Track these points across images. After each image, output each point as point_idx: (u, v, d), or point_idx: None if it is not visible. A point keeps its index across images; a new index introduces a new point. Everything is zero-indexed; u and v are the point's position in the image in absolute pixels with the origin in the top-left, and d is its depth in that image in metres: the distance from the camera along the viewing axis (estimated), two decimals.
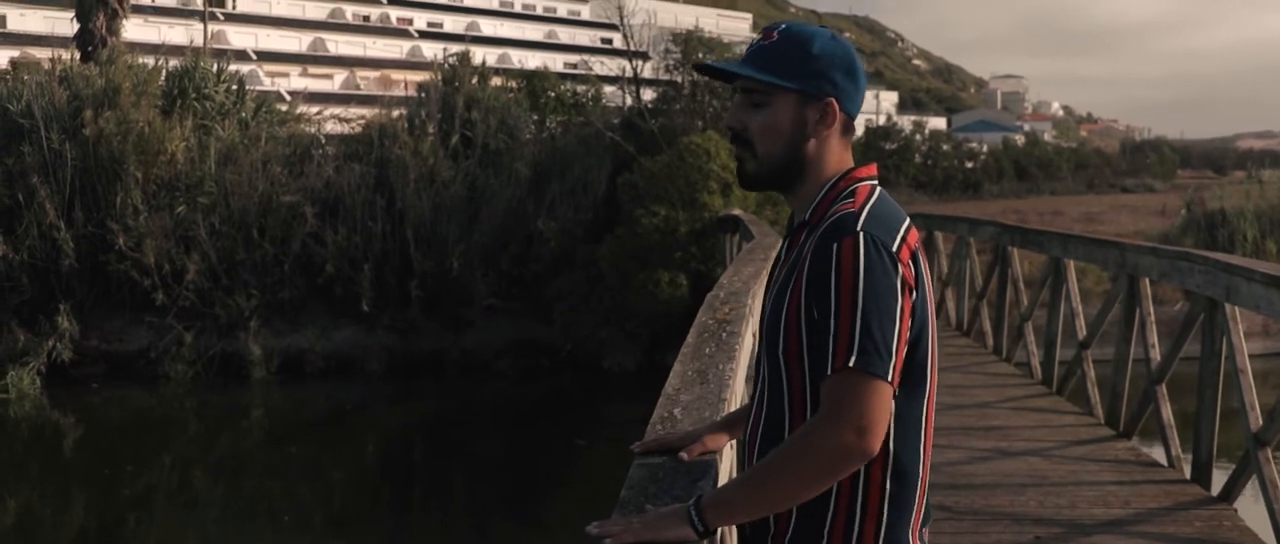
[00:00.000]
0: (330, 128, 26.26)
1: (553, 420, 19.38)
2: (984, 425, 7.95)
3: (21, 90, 22.10)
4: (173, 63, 23.72)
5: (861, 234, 2.10)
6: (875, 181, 2.28)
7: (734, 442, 2.78)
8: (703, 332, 3.95)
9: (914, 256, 2.16)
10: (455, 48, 27.35)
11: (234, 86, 24.16)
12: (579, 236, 21.90)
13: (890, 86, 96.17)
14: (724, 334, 3.89)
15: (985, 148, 68.10)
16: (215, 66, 23.94)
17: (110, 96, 21.52)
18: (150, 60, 23.93)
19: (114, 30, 27.20)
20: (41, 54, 24.28)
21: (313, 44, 55.50)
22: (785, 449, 2.15)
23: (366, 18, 61.04)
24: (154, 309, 20.94)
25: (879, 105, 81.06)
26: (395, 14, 62.11)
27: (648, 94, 25.92)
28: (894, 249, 2.12)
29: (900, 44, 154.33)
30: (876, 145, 57.79)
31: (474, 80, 23.72)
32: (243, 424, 20.21)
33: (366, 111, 25.85)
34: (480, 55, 26.35)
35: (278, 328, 21.40)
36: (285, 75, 50.87)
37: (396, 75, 50.39)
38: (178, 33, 42.63)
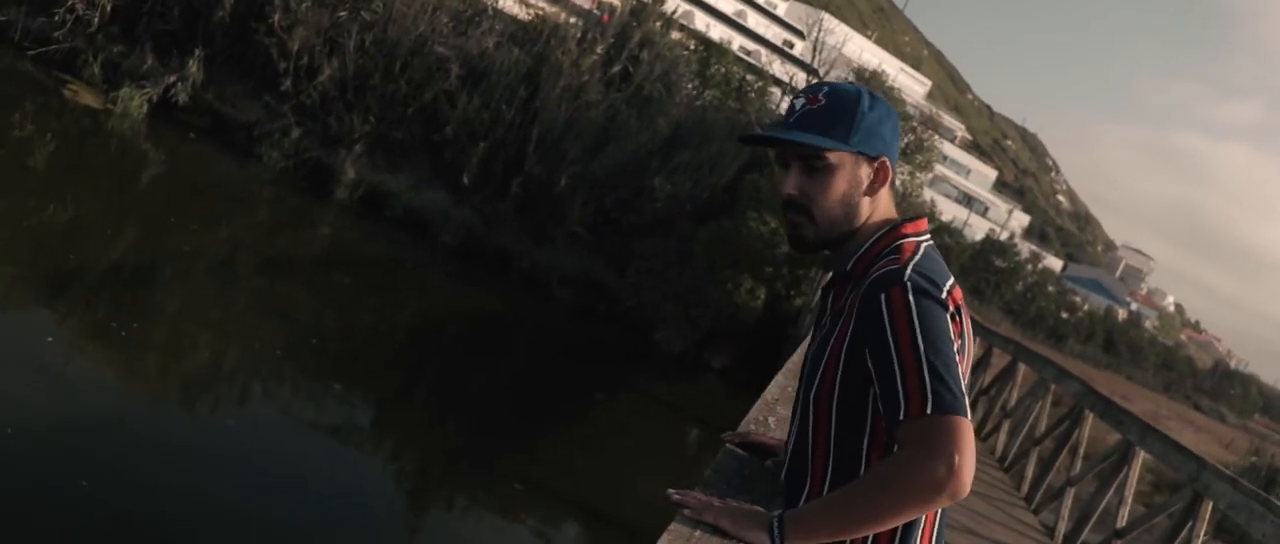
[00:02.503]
0: (506, 4, 26.38)
1: (584, 364, 19.35)
2: None
3: None
4: None
5: (908, 282, 2.10)
6: (925, 237, 2.28)
7: None
8: (790, 372, 3.88)
9: (960, 306, 2.17)
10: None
11: None
12: (687, 211, 21.83)
13: (1026, 209, 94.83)
14: None
15: (1087, 306, 67.33)
16: None
17: None
18: None
19: None
20: None
21: None
22: (875, 478, 2.14)
23: None
24: (277, 93, 21.20)
25: (1009, 222, 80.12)
26: None
27: None
28: (943, 294, 2.12)
29: (1054, 174, 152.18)
30: (987, 256, 57.30)
31: (658, 24, 23.67)
32: (307, 235, 20.37)
33: (549, 7, 25.89)
34: (671, 4, 26.27)
35: (377, 161, 21.58)
36: None
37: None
38: None
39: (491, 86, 21.82)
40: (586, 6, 28.72)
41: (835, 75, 25.90)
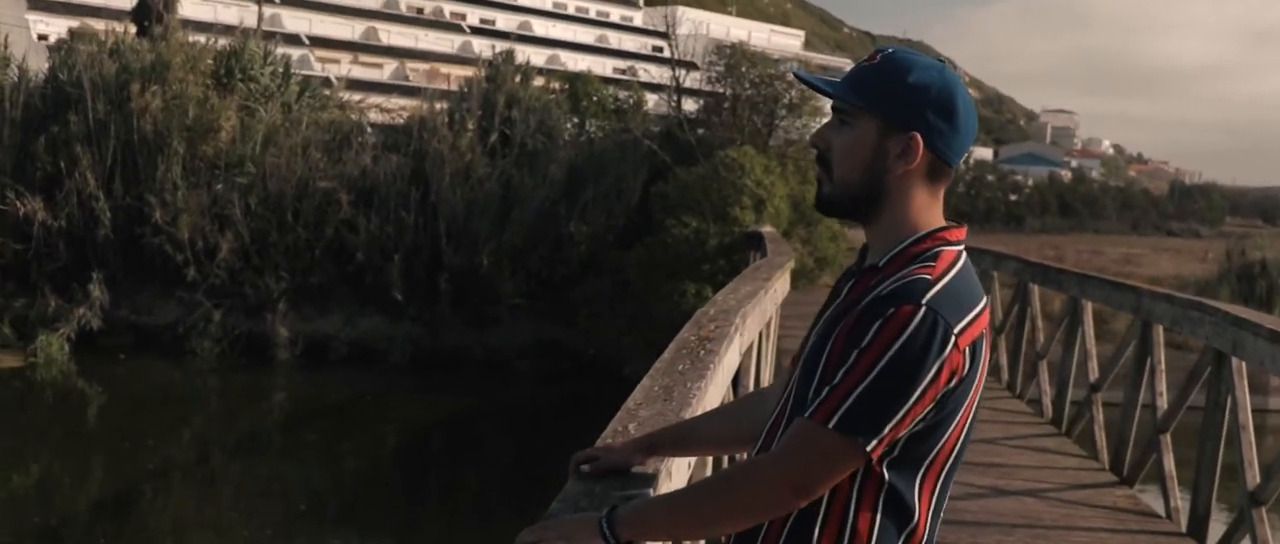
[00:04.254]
0: (374, 117, 26.46)
1: (569, 424, 19.37)
2: (984, 462, 7.89)
3: (74, 60, 22.43)
4: (221, 43, 23.97)
5: (924, 308, 1.93)
6: (962, 247, 2.09)
7: (682, 461, 2.73)
8: (681, 347, 3.93)
9: (976, 344, 1.99)
10: (506, 46, 27.47)
11: (280, 69, 24.37)
12: (609, 242, 21.95)
13: None
14: (702, 351, 3.86)
15: (1031, 181, 67.96)
16: (263, 49, 24.15)
17: (159, 72, 21.79)
18: (202, 38, 24.22)
19: (170, 7, 27.55)
20: (99, 26, 24.59)
21: (365, 32, 55.84)
22: (724, 477, 2.09)
23: (420, 10, 61.37)
24: (185, 285, 21.16)
25: None
26: (449, 8, 62.40)
27: (691, 105, 25.93)
28: (957, 330, 1.94)
29: (954, 69, 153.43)
30: None
31: (516, 79, 23.83)
32: (263, 405, 20.38)
33: (411, 103, 26.02)
34: (530, 55, 26.47)
35: (305, 312, 21.57)
36: (336, 62, 51.17)
37: (445, 69, 50.57)
38: (232, 13, 43.00)
39: (384, 200, 21.88)
40: (447, 88, 28.84)
41: (706, 61, 26.03)
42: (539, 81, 25.13)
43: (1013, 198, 63.75)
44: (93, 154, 21.25)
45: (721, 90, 24.54)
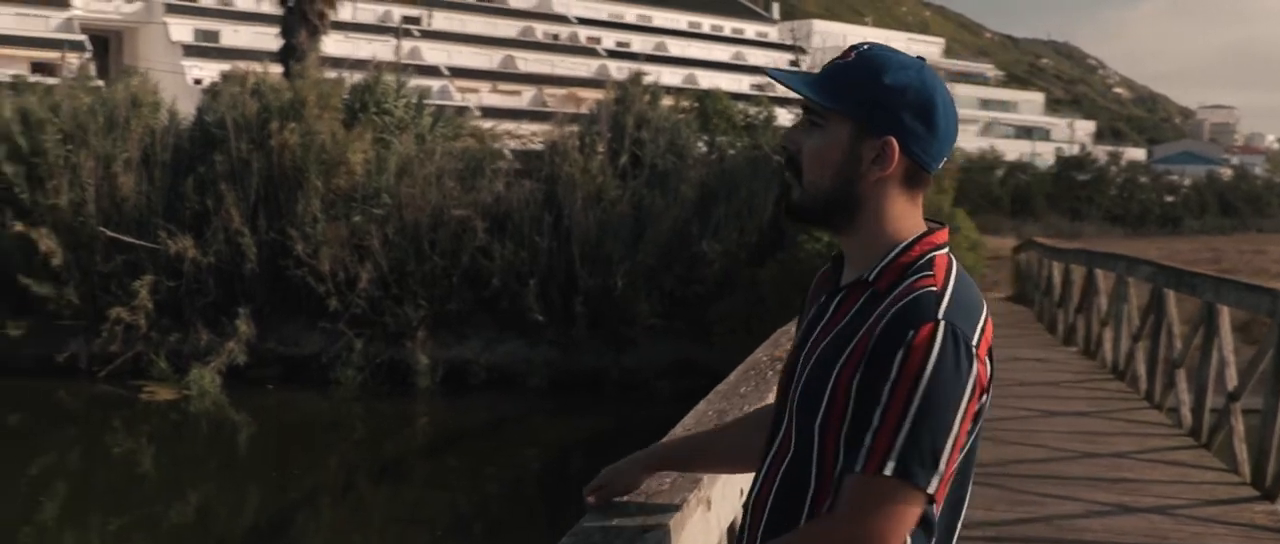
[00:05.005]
0: (510, 144, 26.83)
1: None
2: (1112, 477, 7.59)
3: (219, 102, 23.27)
4: (356, 77, 24.57)
5: (943, 323, 1.86)
6: (948, 250, 2.02)
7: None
8: (749, 368, 3.83)
9: (991, 352, 1.93)
10: (641, 67, 27.66)
11: (413, 100, 24.87)
12: (743, 260, 21.83)
13: (1087, 115, 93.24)
14: (770, 373, 3.75)
15: (1188, 181, 65.51)
16: (396, 81, 24.69)
17: (296, 109, 22.41)
18: (340, 74, 24.88)
19: (314, 46, 28.42)
20: (256, 67, 25.47)
21: (503, 61, 56.76)
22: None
23: (556, 36, 62.18)
24: (327, 315, 21.66)
25: (1074, 134, 78.82)
26: (584, 33, 63.10)
27: None
28: (974, 343, 1.88)
29: (1101, 71, 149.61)
30: (1067, 176, 56.21)
31: (645, 99, 23.90)
32: (407, 432, 20.75)
33: (544, 128, 26.31)
34: (666, 76, 26.52)
35: (443, 339, 21.89)
36: (475, 91, 52.16)
37: (582, 93, 51.12)
38: (376, 48, 44.08)
39: (517, 225, 22.11)
40: (580, 112, 29.08)
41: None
42: (668, 101, 25.17)
43: (1169, 198, 61.57)
44: (237, 191, 21.93)
45: None
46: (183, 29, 50.92)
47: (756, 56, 65.89)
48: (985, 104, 78.30)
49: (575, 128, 24.21)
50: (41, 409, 20.87)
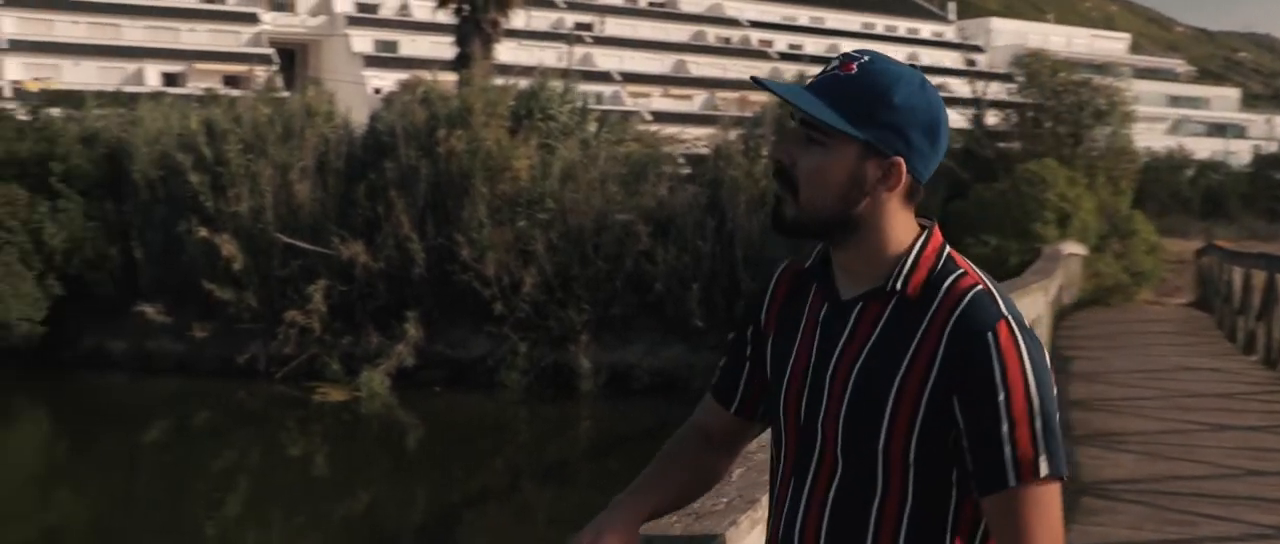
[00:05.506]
0: (681, 148, 26.85)
1: None
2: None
3: (389, 110, 23.89)
4: (522, 84, 24.90)
5: (1008, 317, 1.85)
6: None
7: None
8: None
9: None
10: (814, 70, 27.29)
11: (578, 106, 25.09)
12: None
13: None
14: None
15: None
16: (561, 87, 24.94)
17: (463, 116, 22.83)
18: (509, 81, 25.26)
19: (488, 54, 28.98)
20: (432, 78, 26.07)
21: (675, 66, 56.99)
22: None
23: (727, 40, 62.14)
24: (492, 319, 21.97)
25: (1273, 130, 75.17)
26: (756, 36, 62.91)
27: (994, 119, 25.00)
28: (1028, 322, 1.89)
29: None
30: (1265, 175, 53.52)
31: None
32: (570, 435, 20.93)
33: (711, 132, 26.26)
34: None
35: (607, 343, 21.99)
36: (647, 96, 52.49)
37: (754, 97, 50.94)
38: (549, 55, 44.71)
39: (681, 229, 22.09)
40: (739, 114, 28.93)
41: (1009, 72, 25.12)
42: None
43: None
44: (406, 198, 22.42)
45: (1025, 100, 23.53)
46: (364, 40, 52.55)
47: (931, 57, 64.71)
48: (1174, 101, 75.35)
49: (739, 131, 24.06)
50: (224, 409, 21.73)
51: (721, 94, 54.41)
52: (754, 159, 22.73)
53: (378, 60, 50.83)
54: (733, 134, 23.91)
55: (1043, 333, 8.79)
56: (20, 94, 38.79)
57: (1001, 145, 22.83)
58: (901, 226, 1.96)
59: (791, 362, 2.01)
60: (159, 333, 22.94)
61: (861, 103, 1.88)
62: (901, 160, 1.90)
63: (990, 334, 1.83)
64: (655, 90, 53.44)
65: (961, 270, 1.93)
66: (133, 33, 50.37)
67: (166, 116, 24.30)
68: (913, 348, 1.88)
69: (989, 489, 1.85)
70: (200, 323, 22.64)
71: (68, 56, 47.85)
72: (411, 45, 52.05)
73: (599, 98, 46.76)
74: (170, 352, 22.97)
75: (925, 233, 1.98)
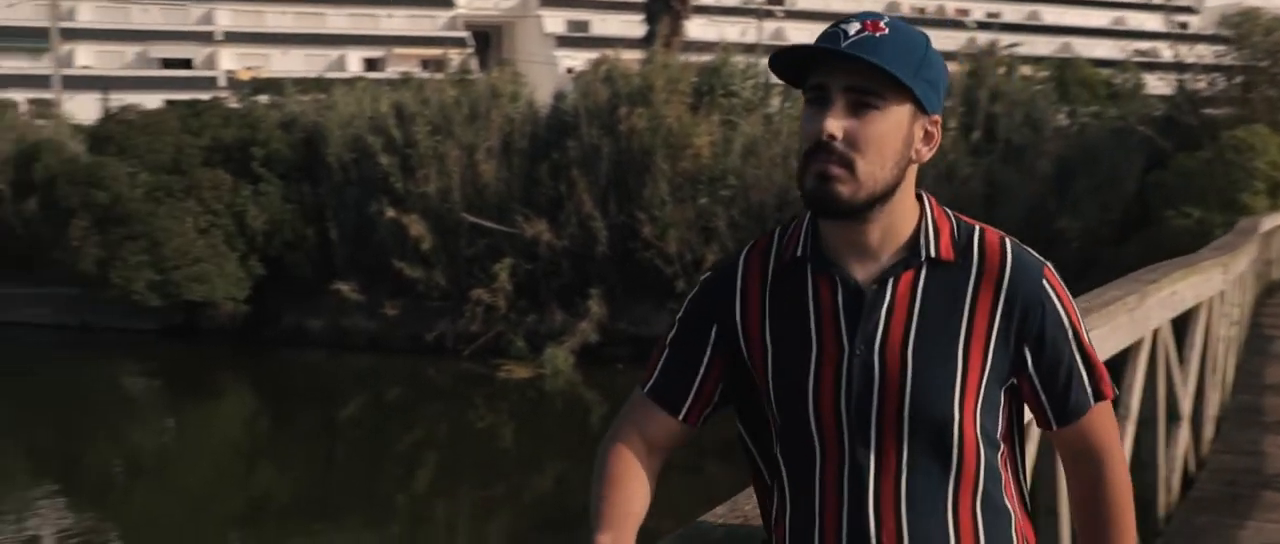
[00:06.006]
0: None
1: None
2: None
3: (572, 89, 24.10)
4: (703, 61, 24.77)
5: (1043, 259, 1.90)
6: None
7: None
8: None
9: None
10: (1010, 38, 26.55)
11: (761, 82, 24.82)
12: (1104, 238, 20.48)
13: None
14: None
15: None
16: (743, 63, 24.71)
17: (644, 94, 22.83)
18: (690, 58, 25.18)
19: (677, 30, 28.94)
20: (616, 56, 26.18)
21: None
22: (1118, 508, 1.96)
23: (922, 10, 60.69)
24: (675, 296, 21.91)
25: None
26: (952, 5, 61.31)
27: (1202, 83, 23.73)
28: None
29: None
30: None
31: (1000, 71, 22.86)
32: None
33: None
34: (1041, 45, 25.34)
35: None
36: None
37: (952, 67, 49.73)
38: (739, 31, 44.43)
39: None
40: None
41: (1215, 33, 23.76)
42: (1025, 71, 23.95)
43: None
44: (588, 176, 22.56)
45: (1234, 63, 22.23)
46: (556, 21, 53.20)
47: (1138, 20, 61.98)
48: None
49: None
50: (414, 385, 22.30)
51: None
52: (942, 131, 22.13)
53: (569, 40, 51.40)
54: None
55: (1233, 310, 8.21)
56: (233, 83, 40.66)
57: (1207, 112, 21.62)
58: (913, 190, 1.92)
59: (815, 354, 1.87)
60: (353, 311, 23.69)
61: (909, 62, 1.79)
62: (939, 119, 1.88)
63: (1044, 279, 1.87)
64: None
65: (977, 226, 1.91)
66: (336, 21, 52.14)
67: (359, 101, 25.03)
68: (967, 309, 1.84)
69: (1073, 417, 1.91)
70: (391, 301, 23.27)
71: (276, 46, 49.83)
72: (602, 24, 52.47)
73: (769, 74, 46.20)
74: (363, 329, 23.71)
75: (921, 196, 1.94)
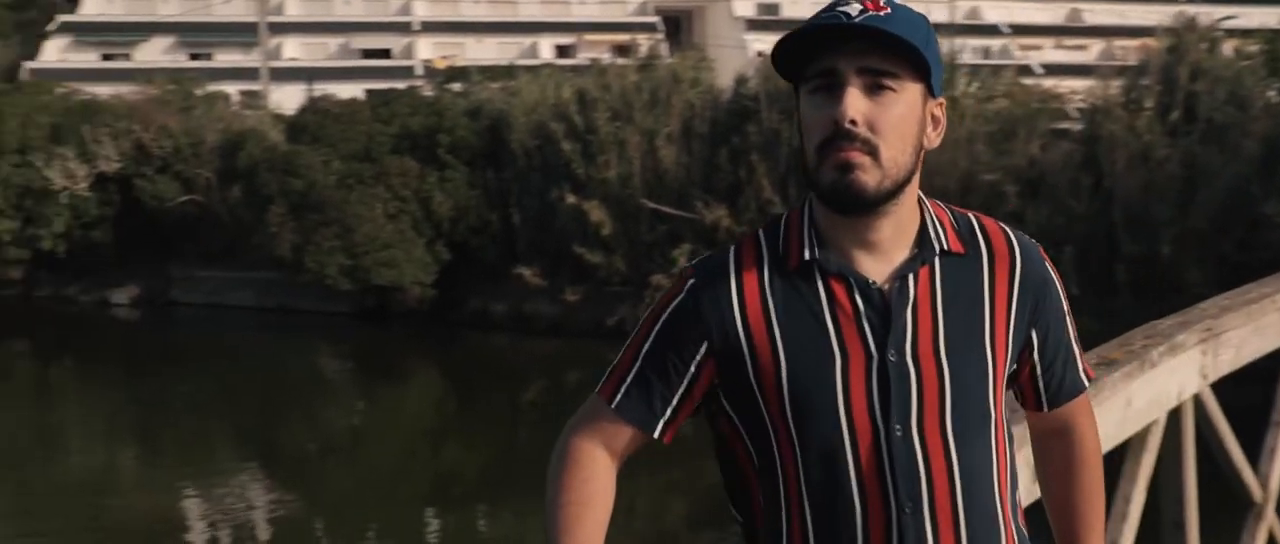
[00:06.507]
0: (1069, 103, 25.38)
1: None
2: None
3: (755, 75, 23.94)
4: None
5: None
6: None
7: None
8: None
9: None
10: (1220, 11, 25.28)
11: (945, 62, 24.19)
12: None
13: None
14: None
15: None
16: None
17: None
18: None
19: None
20: None
21: (1068, 15, 54.01)
22: (1095, 480, 1.99)
23: None
24: None
25: None
26: None
27: None
28: None
29: None
30: None
31: (1202, 47, 21.72)
32: None
33: (1083, 84, 24.71)
34: (1259, 16, 23.97)
35: None
36: (1038, 48, 50.07)
37: (1157, 44, 47.63)
38: (935, 10, 43.40)
39: (1052, 189, 20.90)
40: (1120, 63, 26.98)
41: None
42: (1230, 45, 22.71)
43: None
44: (768, 162, 22.37)
45: None
46: (746, 4, 52.91)
47: None
48: None
49: (1120, 82, 22.46)
50: (595, 370, 22.45)
51: (1119, 42, 51.13)
52: (1135, 112, 21.16)
53: (759, 24, 51.01)
54: (1113, 85, 22.33)
55: None
56: (429, 72, 41.73)
57: None
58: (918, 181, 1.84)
59: (840, 362, 1.75)
60: (535, 295, 24.08)
61: (917, 40, 1.69)
62: (944, 102, 1.81)
63: (1042, 259, 1.87)
64: (1047, 41, 50.86)
65: (969, 213, 1.87)
66: (529, 9, 52.94)
67: (543, 88, 25.37)
68: (987, 300, 1.80)
69: (1068, 397, 1.92)
70: (572, 286, 23.57)
71: (471, 34, 50.88)
72: (793, 7, 51.91)
73: (987, 51, 44.96)
74: (545, 314, 24.08)
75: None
